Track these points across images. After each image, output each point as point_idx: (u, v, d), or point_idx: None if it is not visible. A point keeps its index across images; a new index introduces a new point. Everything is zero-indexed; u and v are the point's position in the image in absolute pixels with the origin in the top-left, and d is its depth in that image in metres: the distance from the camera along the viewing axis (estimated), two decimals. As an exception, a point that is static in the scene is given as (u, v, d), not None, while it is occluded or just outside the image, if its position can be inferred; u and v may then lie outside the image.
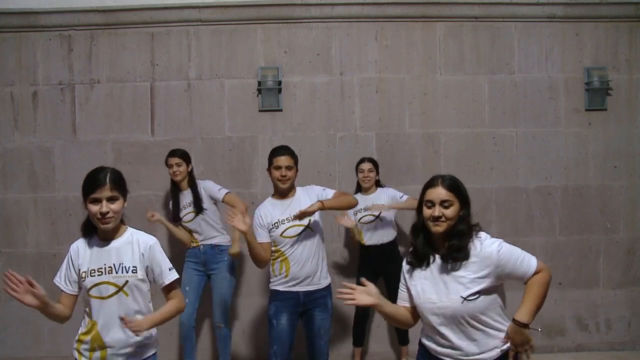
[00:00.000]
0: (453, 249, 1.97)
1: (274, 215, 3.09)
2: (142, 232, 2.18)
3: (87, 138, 4.38)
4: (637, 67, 4.51)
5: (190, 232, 3.94)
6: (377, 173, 4.12)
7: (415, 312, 2.10)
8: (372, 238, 4.03)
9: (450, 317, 1.95)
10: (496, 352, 1.96)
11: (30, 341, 4.37)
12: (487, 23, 4.44)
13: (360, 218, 4.01)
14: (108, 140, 4.38)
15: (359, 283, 4.15)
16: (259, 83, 4.35)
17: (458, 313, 1.93)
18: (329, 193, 3.17)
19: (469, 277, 1.93)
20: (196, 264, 3.89)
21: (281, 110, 4.40)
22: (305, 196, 3.16)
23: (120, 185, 2.08)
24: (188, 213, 3.88)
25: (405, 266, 2.12)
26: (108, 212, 2.03)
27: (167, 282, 2.16)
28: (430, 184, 2.07)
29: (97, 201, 2.03)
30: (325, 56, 4.41)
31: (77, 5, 4.31)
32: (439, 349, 2.02)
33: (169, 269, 2.17)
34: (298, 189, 3.21)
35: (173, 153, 3.92)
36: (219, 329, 3.90)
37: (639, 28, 4.51)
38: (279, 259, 3.10)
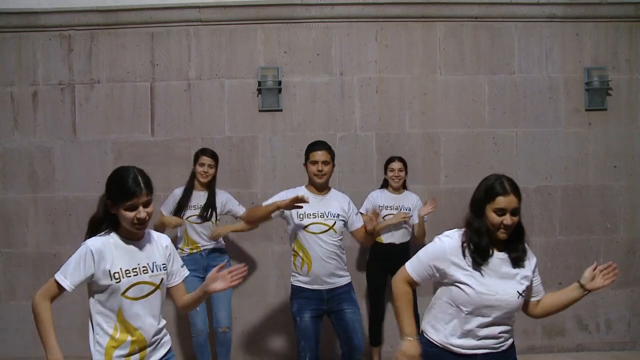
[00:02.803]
0: (519, 251, 2.07)
1: (304, 205, 3.10)
2: (153, 231, 2.20)
3: (87, 138, 4.38)
4: (637, 67, 4.51)
5: (181, 232, 3.81)
6: (406, 173, 4.13)
7: (413, 284, 2.15)
8: (391, 237, 4.02)
9: (500, 310, 2.02)
10: (511, 341, 2.13)
11: (30, 341, 4.36)
12: (487, 23, 4.44)
13: (385, 215, 4.00)
14: (108, 140, 4.38)
15: (370, 279, 4.13)
16: (259, 83, 4.35)
17: (510, 307, 2.03)
18: (355, 223, 3.25)
19: (522, 275, 2.07)
20: (195, 271, 3.71)
21: (281, 110, 4.40)
22: (338, 200, 3.22)
23: (151, 187, 2.07)
24: (193, 215, 3.76)
25: (452, 254, 2.06)
26: (146, 217, 2.02)
27: (181, 279, 2.20)
28: (497, 190, 2.03)
29: (134, 208, 2.00)
30: (325, 56, 4.41)
31: (77, 5, 4.31)
32: (473, 342, 2.05)
33: (182, 266, 2.22)
34: (333, 191, 3.28)
35: (205, 152, 3.84)
36: (223, 333, 3.78)
37: (639, 28, 4.51)
38: (300, 254, 3.14)
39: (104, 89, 4.38)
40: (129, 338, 2.02)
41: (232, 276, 2.08)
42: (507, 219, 2.00)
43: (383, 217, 3.98)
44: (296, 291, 3.18)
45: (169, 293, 2.20)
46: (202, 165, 3.78)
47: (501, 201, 2.01)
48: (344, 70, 4.42)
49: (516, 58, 4.47)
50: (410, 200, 4.08)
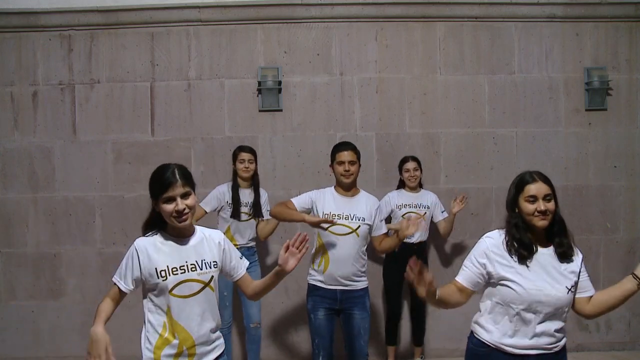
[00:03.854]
0: (565, 246, 2.07)
1: (330, 205, 3.13)
2: (206, 228, 2.18)
3: (87, 138, 4.38)
4: (637, 67, 4.51)
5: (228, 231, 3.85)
6: (421, 171, 4.15)
7: (468, 293, 2.12)
8: (408, 237, 4.02)
9: (550, 306, 2.01)
10: (564, 341, 2.11)
11: (30, 341, 4.37)
12: (487, 23, 4.44)
13: (405, 213, 4.01)
14: (108, 140, 4.38)
15: (386, 280, 4.15)
16: (259, 83, 4.35)
17: (560, 303, 2.02)
18: (379, 230, 3.23)
19: (569, 269, 2.07)
20: None
21: (281, 110, 4.40)
22: (366, 204, 3.19)
23: (190, 179, 2.05)
24: (243, 213, 3.85)
25: (500, 256, 2.06)
26: (184, 209, 1.99)
27: (244, 270, 2.18)
28: (526, 179, 2.09)
29: (171, 200, 1.99)
30: (325, 56, 4.41)
31: (77, 5, 4.31)
32: (526, 342, 2.03)
33: (240, 258, 2.21)
34: (363, 193, 3.25)
35: (244, 148, 3.92)
36: (255, 329, 3.88)
37: (639, 28, 4.51)
38: (320, 253, 3.15)
39: (104, 89, 4.38)
40: (177, 337, 2.00)
41: (298, 247, 2.06)
42: (541, 205, 2.03)
43: (402, 216, 4.01)
44: (312, 289, 3.20)
45: (237, 285, 2.21)
46: (242, 161, 3.86)
47: (531, 188, 2.06)
48: (344, 70, 4.42)
49: (516, 58, 4.47)
50: (428, 198, 4.11)
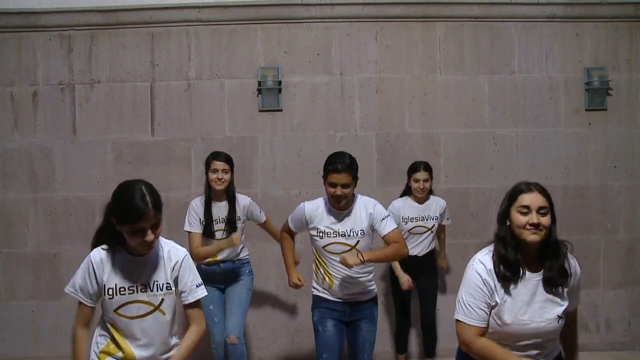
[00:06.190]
0: (555, 271, 1.85)
1: (325, 221, 2.87)
2: (171, 242, 2.04)
3: (87, 138, 4.38)
4: (637, 67, 4.51)
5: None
6: (432, 179, 3.95)
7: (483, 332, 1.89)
8: (416, 248, 3.87)
9: (540, 336, 1.86)
10: (556, 353, 1.98)
11: (30, 341, 4.37)
12: (487, 23, 4.44)
13: (412, 228, 3.88)
14: (108, 140, 4.38)
15: (395, 291, 4.03)
16: (259, 83, 4.35)
17: (551, 331, 1.86)
18: (385, 228, 2.85)
19: (563, 294, 1.88)
20: (212, 281, 3.42)
21: (281, 110, 4.40)
22: (361, 211, 2.87)
23: (160, 205, 1.89)
24: (218, 230, 3.45)
25: (490, 280, 1.86)
26: (153, 240, 1.87)
27: (192, 300, 2.00)
28: (521, 189, 1.90)
29: (141, 230, 1.84)
30: (325, 56, 4.41)
31: (77, 5, 4.31)
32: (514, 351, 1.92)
33: (197, 285, 2.02)
34: (358, 200, 2.91)
35: (218, 156, 3.45)
36: (232, 346, 3.36)
37: (639, 28, 4.51)
38: (321, 269, 2.92)
39: (104, 89, 4.37)
40: (120, 352, 1.96)
41: None
42: (534, 217, 1.82)
43: (409, 230, 3.87)
44: (317, 300, 2.95)
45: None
46: (215, 171, 3.41)
47: (525, 198, 1.87)
48: (344, 70, 4.42)
49: (516, 58, 4.47)
50: (435, 209, 3.93)
